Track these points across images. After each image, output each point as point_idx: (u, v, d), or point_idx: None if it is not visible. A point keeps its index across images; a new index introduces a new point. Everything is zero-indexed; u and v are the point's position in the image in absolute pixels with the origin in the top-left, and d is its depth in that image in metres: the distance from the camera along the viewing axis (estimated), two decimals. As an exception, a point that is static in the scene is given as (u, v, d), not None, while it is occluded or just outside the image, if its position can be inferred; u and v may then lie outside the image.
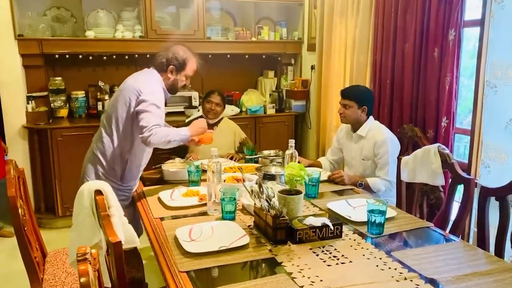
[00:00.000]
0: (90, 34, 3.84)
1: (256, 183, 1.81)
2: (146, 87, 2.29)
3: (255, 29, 4.47)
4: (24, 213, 1.94)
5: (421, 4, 2.78)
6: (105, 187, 1.50)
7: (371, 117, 2.71)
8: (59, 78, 3.86)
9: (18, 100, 3.74)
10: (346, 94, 2.69)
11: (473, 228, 2.53)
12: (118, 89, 2.40)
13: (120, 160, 2.32)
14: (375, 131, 2.65)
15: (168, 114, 4.15)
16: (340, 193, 2.37)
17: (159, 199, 2.18)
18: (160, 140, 2.19)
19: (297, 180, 1.85)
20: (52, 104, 3.84)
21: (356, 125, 2.70)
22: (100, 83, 4.04)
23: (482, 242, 1.84)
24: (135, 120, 2.26)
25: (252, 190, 1.80)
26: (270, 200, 1.73)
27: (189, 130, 2.37)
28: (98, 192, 1.47)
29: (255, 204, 1.78)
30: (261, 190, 1.73)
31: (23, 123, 3.75)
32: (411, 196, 2.30)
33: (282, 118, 4.43)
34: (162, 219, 1.96)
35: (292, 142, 2.29)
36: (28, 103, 3.77)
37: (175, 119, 3.98)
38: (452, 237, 1.82)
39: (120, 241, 1.29)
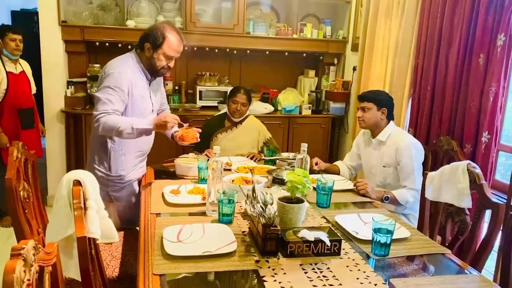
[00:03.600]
0: (130, 23, 3.89)
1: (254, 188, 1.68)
2: (109, 68, 2.19)
3: (298, 26, 4.32)
4: (27, 196, 1.94)
5: (469, 5, 2.51)
6: (85, 178, 1.44)
7: (391, 122, 2.53)
8: (98, 65, 3.92)
9: (58, 85, 3.86)
10: (364, 96, 2.55)
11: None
12: None
13: (103, 148, 2.30)
14: (397, 136, 2.46)
15: (202, 108, 4.16)
16: (359, 205, 2.18)
17: (162, 193, 2.12)
18: (110, 131, 2.07)
19: (297, 188, 1.70)
20: (89, 90, 3.93)
21: (376, 130, 2.52)
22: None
23: (505, 280, 1.60)
24: None
25: (247, 195, 1.68)
26: (266, 207, 1.60)
27: (153, 124, 2.14)
28: (78, 183, 1.42)
29: (246, 209, 1.66)
30: (254, 195, 1.61)
31: (62, 107, 3.86)
32: (435, 216, 2.08)
33: (318, 120, 4.25)
34: (158, 215, 1.89)
35: (304, 146, 2.14)
36: (67, 88, 3.89)
37: (208, 113, 3.94)
38: (471, 269, 1.59)
39: (85, 236, 1.22)
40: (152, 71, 2.32)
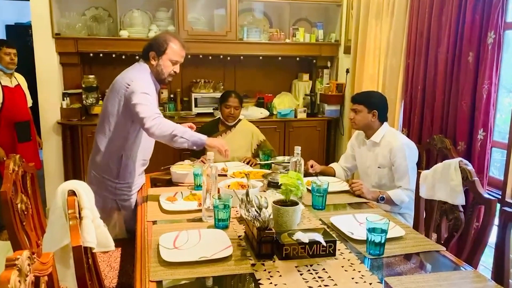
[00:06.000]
0: (123, 33, 3.91)
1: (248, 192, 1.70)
2: (132, 79, 2.22)
3: (290, 30, 4.35)
4: (25, 208, 1.96)
5: (456, 4, 2.54)
6: (80, 187, 1.46)
7: (385, 124, 2.54)
8: (92, 76, 3.95)
9: (54, 97, 3.88)
10: (355, 98, 2.57)
11: None
12: (109, 88, 2.36)
13: (114, 156, 2.30)
14: (390, 137, 2.48)
15: (197, 115, 4.18)
16: (355, 206, 2.20)
17: (158, 201, 2.13)
18: (164, 132, 2.09)
19: (291, 190, 1.72)
20: (84, 101, 3.95)
21: (369, 132, 2.54)
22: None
23: (499, 275, 1.61)
24: (127, 114, 2.21)
25: (242, 199, 1.70)
26: (260, 210, 1.61)
27: (208, 138, 2.23)
28: (73, 193, 1.44)
29: (241, 214, 1.68)
30: (248, 199, 1.63)
31: (58, 118, 3.88)
32: (430, 214, 2.09)
33: (313, 123, 4.27)
34: (154, 222, 1.90)
35: (298, 149, 2.15)
36: (63, 100, 3.90)
37: (204, 120, 3.95)
38: (466, 265, 1.61)
39: (80, 246, 1.24)
40: (159, 79, 2.36)
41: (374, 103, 2.50)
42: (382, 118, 2.52)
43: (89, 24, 3.99)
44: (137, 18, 4.04)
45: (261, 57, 4.33)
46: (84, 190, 1.47)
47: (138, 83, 2.20)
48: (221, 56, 4.29)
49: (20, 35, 6.10)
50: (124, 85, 2.22)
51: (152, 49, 2.30)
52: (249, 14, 4.42)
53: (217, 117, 3.28)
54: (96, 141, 2.34)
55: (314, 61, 4.56)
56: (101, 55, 3.96)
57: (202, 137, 2.20)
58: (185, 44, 2.39)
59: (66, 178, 3.93)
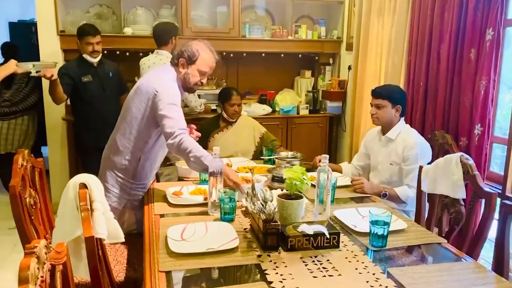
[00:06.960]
0: (127, 30, 3.95)
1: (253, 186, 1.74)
2: (161, 85, 2.17)
3: (293, 27, 4.38)
4: (33, 203, 1.99)
5: (458, 1, 2.57)
6: (91, 181, 1.50)
7: (402, 119, 2.53)
8: (96, 73, 3.97)
9: (59, 93, 3.91)
10: (379, 93, 2.50)
11: None
12: (133, 88, 2.30)
13: (133, 158, 2.26)
14: (406, 134, 2.47)
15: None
16: (358, 200, 2.24)
17: (165, 195, 2.17)
18: (183, 151, 2.04)
19: (296, 184, 1.76)
20: (89, 98, 3.97)
21: (387, 127, 2.52)
22: (136, 79, 4.11)
23: (499, 266, 1.65)
24: (153, 120, 2.18)
25: (248, 192, 1.74)
26: (266, 204, 1.65)
27: (226, 168, 2.05)
28: (84, 186, 1.48)
29: (247, 207, 1.72)
30: (254, 193, 1.66)
31: (63, 115, 3.92)
32: (431, 208, 2.13)
33: (315, 120, 4.31)
34: (162, 216, 1.94)
35: (326, 158, 1.98)
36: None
37: (207, 116, 3.98)
38: (466, 257, 1.65)
39: (92, 236, 1.28)
40: (184, 87, 2.32)
41: (398, 98, 2.47)
42: (403, 113, 2.51)
43: (93, 21, 4.02)
44: (141, 15, 4.08)
45: (263, 54, 4.36)
46: (94, 183, 1.51)
47: (167, 92, 2.15)
48: (224, 53, 4.30)
49: (24, 32, 6.13)
50: (152, 91, 2.15)
51: (182, 56, 2.24)
52: (252, 11, 4.45)
53: (217, 114, 3.33)
54: (116, 141, 2.27)
55: (317, 58, 4.59)
56: (105, 52, 3.97)
57: (219, 165, 1.97)
58: (216, 55, 2.35)
59: (71, 174, 3.97)
